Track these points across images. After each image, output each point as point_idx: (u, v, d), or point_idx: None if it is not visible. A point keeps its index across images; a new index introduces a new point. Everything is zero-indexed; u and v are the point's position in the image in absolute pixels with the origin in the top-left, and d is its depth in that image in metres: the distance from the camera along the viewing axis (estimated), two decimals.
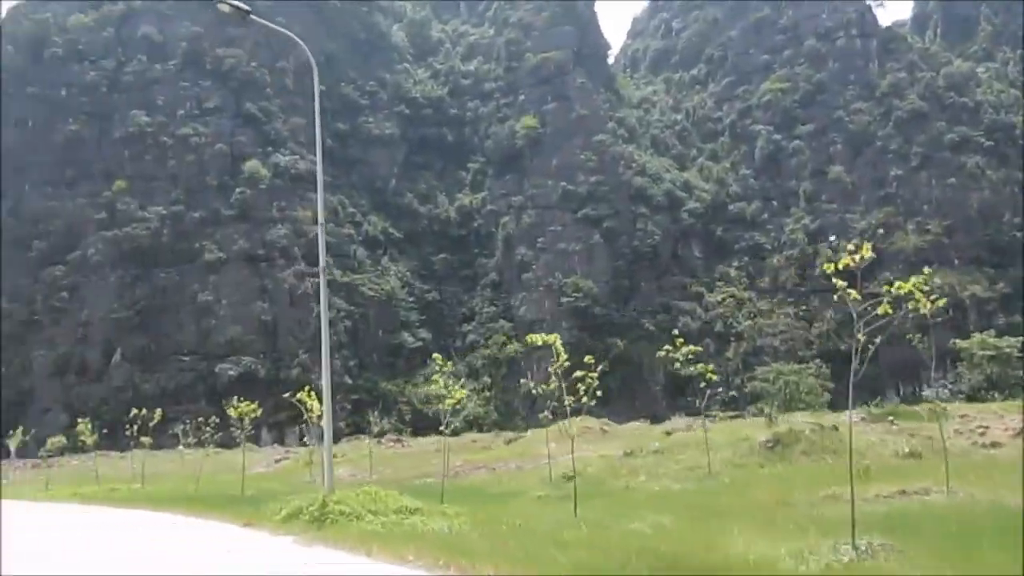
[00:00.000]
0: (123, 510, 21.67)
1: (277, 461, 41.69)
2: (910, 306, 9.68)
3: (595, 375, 13.17)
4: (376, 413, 45.37)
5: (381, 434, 46.15)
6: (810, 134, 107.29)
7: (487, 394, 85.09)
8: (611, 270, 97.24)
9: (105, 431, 46.77)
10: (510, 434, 42.01)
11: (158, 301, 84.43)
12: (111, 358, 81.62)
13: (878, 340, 8.61)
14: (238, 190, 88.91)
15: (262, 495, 21.74)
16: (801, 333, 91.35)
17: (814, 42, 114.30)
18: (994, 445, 21.00)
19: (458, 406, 17.93)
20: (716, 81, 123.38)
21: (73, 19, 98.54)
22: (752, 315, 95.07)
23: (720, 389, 75.16)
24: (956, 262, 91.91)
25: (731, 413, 53.61)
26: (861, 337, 8.62)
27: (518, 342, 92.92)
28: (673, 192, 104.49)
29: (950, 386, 57.45)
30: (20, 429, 47.02)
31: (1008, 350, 52.18)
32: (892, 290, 8.81)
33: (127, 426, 33.92)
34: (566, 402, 13.64)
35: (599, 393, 13.16)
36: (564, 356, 13.51)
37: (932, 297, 10.30)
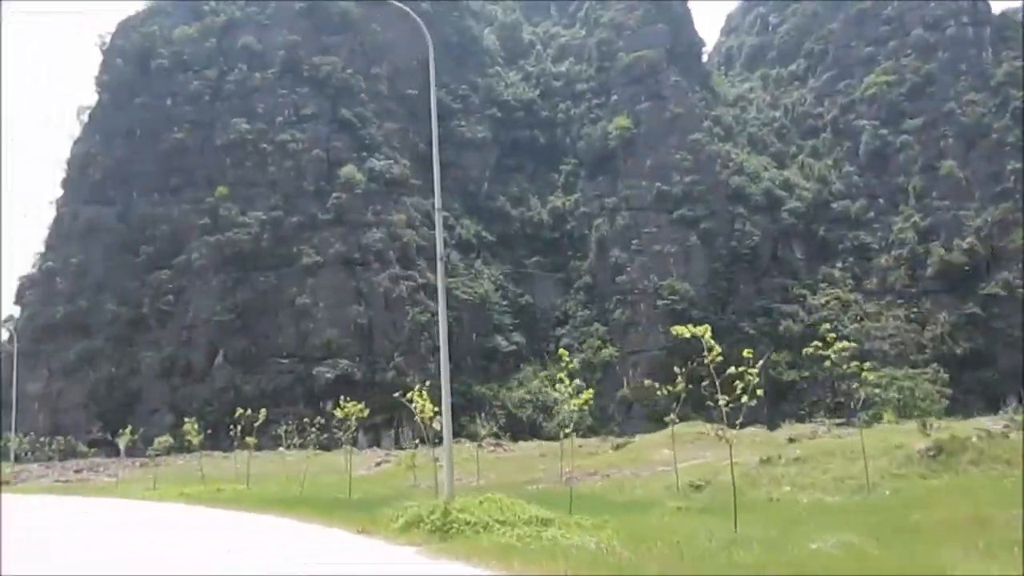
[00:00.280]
0: (230, 511, 21.33)
1: (377, 464, 41.32)
2: None
3: (755, 371, 11.63)
4: (483, 416, 44.56)
5: (480, 438, 45.35)
6: (919, 128, 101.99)
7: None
8: (708, 272, 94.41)
9: (208, 431, 47.48)
10: (616, 439, 40.53)
11: (258, 304, 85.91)
12: (214, 360, 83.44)
13: None
14: (334, 195, 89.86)
15: (369, 499, 21.14)
16: (912, 337, 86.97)
17: (921, 32, 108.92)
18: None
19: (584, 407, 16.60)
20: (816, 76, 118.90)
21: (178, 31, 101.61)
22: (859, 318, 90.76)
23: (828, 396, 72.07)
24: None
25: (837, 420, 51.44)
26: None
27: (612, 346, 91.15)
28: (772, 191, 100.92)
29: None
30: (129, 429, 48.29)
31: None
32: None
33: (230, 427, 34.09)
34: (720, 402, 12.10)
35: (760, 392, 11.59)
36: (717, 350, 12.05)
37: None
